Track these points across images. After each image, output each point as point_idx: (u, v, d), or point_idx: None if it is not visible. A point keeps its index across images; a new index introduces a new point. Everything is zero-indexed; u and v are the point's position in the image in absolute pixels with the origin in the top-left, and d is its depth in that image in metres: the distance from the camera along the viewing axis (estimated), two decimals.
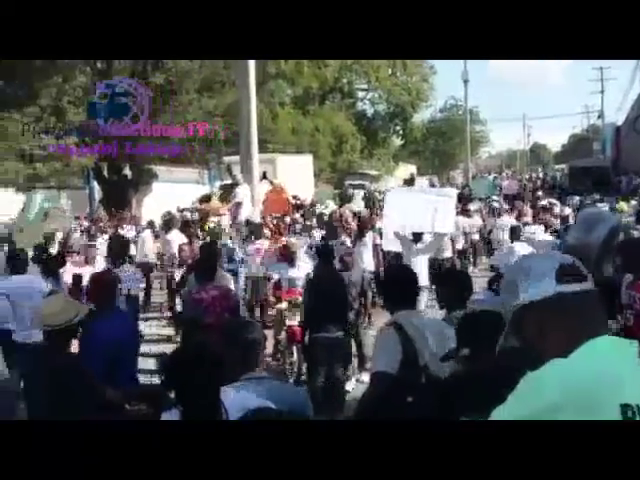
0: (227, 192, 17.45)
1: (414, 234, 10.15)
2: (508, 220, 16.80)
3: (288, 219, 15.05)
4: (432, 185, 25.03)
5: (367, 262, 11.31)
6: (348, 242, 11.84)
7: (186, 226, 12.79)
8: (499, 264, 9.08)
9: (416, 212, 10.15)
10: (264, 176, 19.00)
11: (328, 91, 46.82)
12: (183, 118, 23.19)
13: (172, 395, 2.93)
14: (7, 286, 7.19)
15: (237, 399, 2.97)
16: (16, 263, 7.56)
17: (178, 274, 10.46)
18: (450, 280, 5.22)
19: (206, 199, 17.37)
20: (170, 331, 10.91)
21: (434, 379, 3.89)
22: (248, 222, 14.35)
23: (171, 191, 22.82)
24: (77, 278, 8.50)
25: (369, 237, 11.84)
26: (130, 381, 5.21)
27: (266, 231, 12.77)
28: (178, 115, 22.97)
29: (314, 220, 16.08)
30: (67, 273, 8.90)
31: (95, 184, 23.30)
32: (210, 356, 2.94)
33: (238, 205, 15.67)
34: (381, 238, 11.59)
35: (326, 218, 15.58)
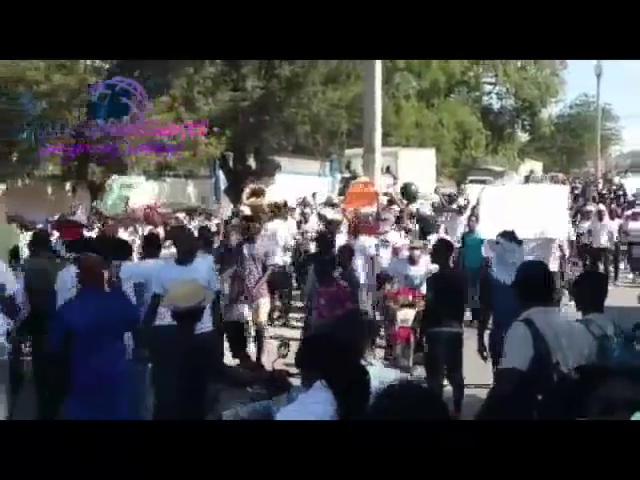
0: (347, 185, 17.47)
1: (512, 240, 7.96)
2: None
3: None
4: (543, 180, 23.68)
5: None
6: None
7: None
8: None
9: (519, 214, 8.40)
10: (387, 170, 18.90)
11: (454, 84, 46.13)
12: (308, 110, 23.45)
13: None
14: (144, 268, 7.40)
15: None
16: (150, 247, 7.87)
17: None
18: (586, 282, 5.01)
19: (260, 193, 15.58)
20: None
21: (565, 377, 3.78)
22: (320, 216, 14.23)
23: (293, 182, 23.13)
24: None
25: None
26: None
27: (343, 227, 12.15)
28: (303, 107, 23.23)
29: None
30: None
31: (220, 174, 23.93)
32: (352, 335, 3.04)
33: None
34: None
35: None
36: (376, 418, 2.22)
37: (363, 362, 3.52)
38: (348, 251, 8.92)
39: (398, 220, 12.75)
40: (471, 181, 28.68)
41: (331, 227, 11.80)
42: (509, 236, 7.33)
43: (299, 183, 23.17)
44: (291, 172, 26.01)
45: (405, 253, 9.81)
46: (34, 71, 16.42)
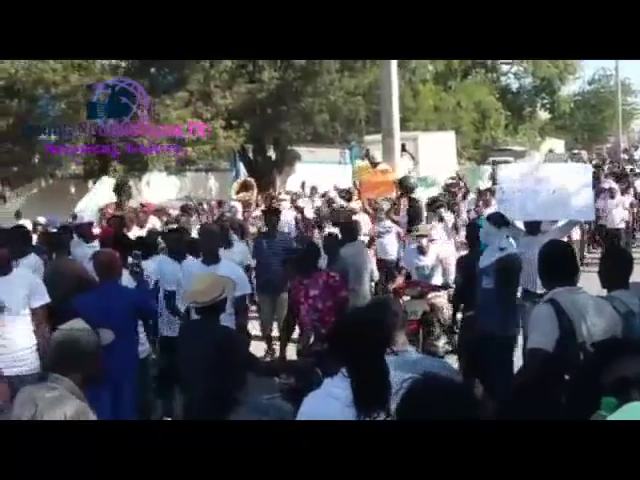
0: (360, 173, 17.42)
1: (530, 224, 7.83)
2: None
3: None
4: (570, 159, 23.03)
5: None
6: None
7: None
8: None
9: (540, 195, 7.71)
10: (403, 148, 18.77)
11: (471, 66, 45.77)
12: (325, 98, 23.41)
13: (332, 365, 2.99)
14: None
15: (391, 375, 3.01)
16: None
17: None
18: (612, 258, 4.99)
19: (250, 187, 15.62)
20: None
21: (592, 357, 3.78)
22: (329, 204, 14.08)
23: (314, 171, 23.13)
24: None
25: None
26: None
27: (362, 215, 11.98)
28: (320, 96, 23.21)
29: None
30: None
31: (241, 166, 23.99)
32: (373, 326, 3.05)
33: None
34: None
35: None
36: (398, 412, 2.24)
37: (395, 350, 3.51)
38: (334, 239, 8.54)
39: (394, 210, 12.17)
40: (493, 162, 28.43)
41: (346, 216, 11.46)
42: (494, 219, 7.28)
43: (320, 172, 23.15)
44: (312, 161, 26.00)
45: (413, 243, 9.22)
46: (52, 73, 16.55)
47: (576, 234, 13.12)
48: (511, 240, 7.32)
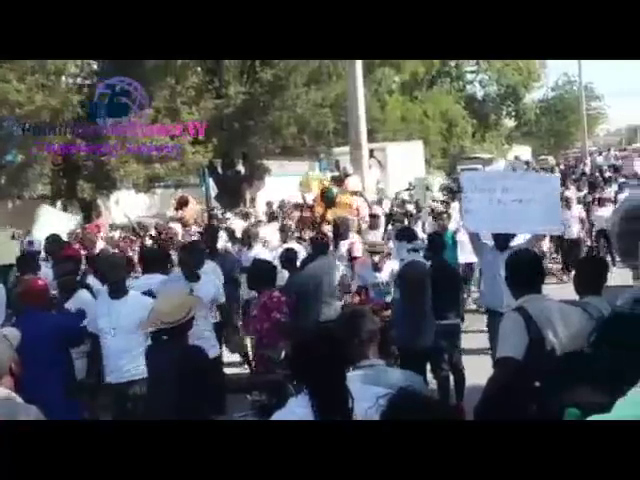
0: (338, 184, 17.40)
1: (498, 238, 7.44)
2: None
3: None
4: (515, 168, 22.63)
5: None
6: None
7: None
8: None
9: (507, 206, 7.14)
10: (371, 154, 18.76)
11: (436, 75, 46.21)
12: (292, 111, 23.47)
13: (295, 384, 2.97)
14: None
15: (364, 389, 2.98)
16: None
17: None
18: (585, 266, 5.06)
19: (184, 204, 15.10)
20: None
21: (561, 364, 3.80)
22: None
23: (283, 185, 23.13)
24: None
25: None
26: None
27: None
28: (287, 109, 23.26)
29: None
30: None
31: (210, 181, 23.92)
32: (335, 344, 3.01)
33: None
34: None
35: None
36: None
37: (366, 363, 3.49)
38: (293, 253, 8.23)
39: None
40: (462, 170, 28.64)
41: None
42: (402, 234, 7.31)
43: (290, 185, 23.15)
44: (281, 175, 26.00)
45: (368, 260, 8.55)
46: (16, 93, 16.41)
47: (545, 246, 12.96)
48: (411, 254, 7.36)
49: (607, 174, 25.36)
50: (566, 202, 14.09)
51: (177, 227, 13.30)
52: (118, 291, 6.05)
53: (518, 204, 7.07)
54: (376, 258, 8.19)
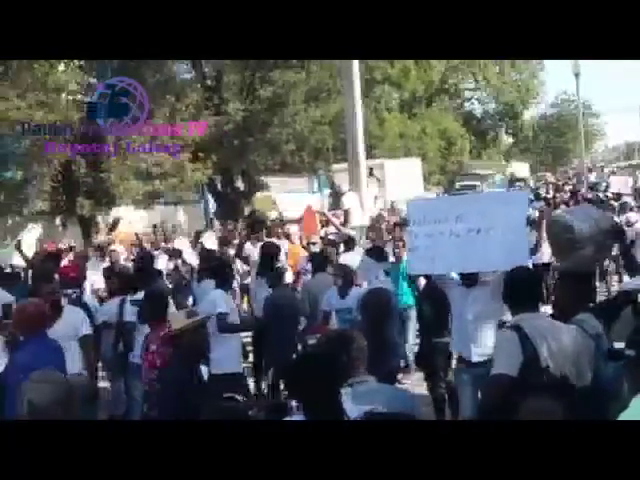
0: (335, 200, 17.48)
1: (464, 276, 6.20)
2: None
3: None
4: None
5: None
6: None
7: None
8: None
9: (461, 238, 5.82)
10: (370, 172, 18.85)
11: (435, 93, 46.44)
12: (291, 128, 23.57)
13: (294, 404, 3.01)
14: None
15: (354, 410, 3.04)
16: None
17: None
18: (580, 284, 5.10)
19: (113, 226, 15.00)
20: None
21: (555, 381, 3.88)
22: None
23: (282, 201, 23.19)
24: None
25: None
26: None
27: None
28: (286, 126, 23.36)
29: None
30: None
31: (210, 198, 23.93)
32: (328, 363, 3.06)
33: (346, 212, 15.65)
34: None
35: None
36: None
37: (356, 380, 3.53)
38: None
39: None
40: (461, 187, 28.69)
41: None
42: (373, 252, 7.28)
43: (288, 201, 23.21)
44: (280, 191, 26.06)
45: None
46: (16, 111, 16.46)
47: None
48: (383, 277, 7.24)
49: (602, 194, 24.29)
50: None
51: (120, 249, 12.99)
52: None
53: (475, 235, 5.76)
54: (340, 282, 7.38)
